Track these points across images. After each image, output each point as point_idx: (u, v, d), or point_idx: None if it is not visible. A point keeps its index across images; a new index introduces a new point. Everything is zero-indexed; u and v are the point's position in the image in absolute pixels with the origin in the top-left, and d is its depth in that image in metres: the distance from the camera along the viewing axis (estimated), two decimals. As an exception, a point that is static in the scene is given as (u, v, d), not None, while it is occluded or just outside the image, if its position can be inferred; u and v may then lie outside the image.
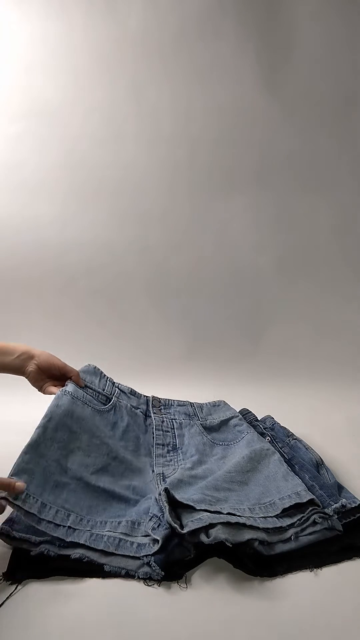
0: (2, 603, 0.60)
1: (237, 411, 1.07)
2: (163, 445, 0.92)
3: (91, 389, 0.93)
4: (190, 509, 0.70)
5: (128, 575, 0.65)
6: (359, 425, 1.13)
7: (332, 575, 0.66)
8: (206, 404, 1.08)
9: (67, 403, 0.84)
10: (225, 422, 1.02)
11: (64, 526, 0.68)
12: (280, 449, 0.92)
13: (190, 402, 1.06)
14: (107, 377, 1.00)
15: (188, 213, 1.51)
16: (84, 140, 1.46)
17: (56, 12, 1.39)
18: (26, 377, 0.88)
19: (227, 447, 0.94)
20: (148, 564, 0.65)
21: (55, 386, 0.90)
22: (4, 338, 0.91)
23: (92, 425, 0.86)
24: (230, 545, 0.65)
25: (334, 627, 0.58)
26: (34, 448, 0.73)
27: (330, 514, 0.71)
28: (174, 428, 0.97)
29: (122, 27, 1.41)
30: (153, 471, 0.85)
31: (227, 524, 0.67)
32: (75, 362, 0.94)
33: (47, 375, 0.90)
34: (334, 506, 0.72)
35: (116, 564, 0.66)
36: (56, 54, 1.41)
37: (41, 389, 0.90)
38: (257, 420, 1.04)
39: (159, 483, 0.80)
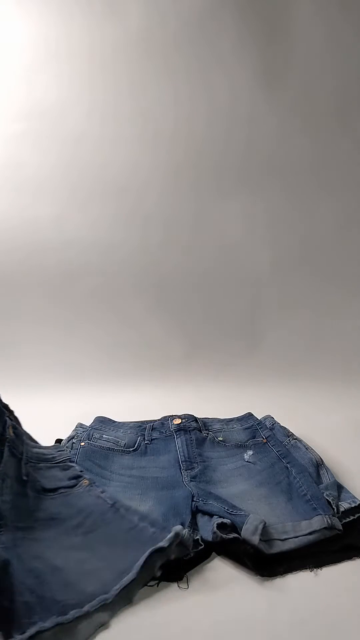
0: None
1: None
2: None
3: None
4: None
5: (128, 575, 0.65)
6: (359, 425, 1.13)
7: (332, 575, 0.66)
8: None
9: None
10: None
11: None
12: (277, 452, 0.91)
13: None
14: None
15: (188, 213, 1.51)
16: (85, 140, 1.46)
17: (57, 13, 1.39)
18: None
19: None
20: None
21: None
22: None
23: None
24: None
25: (334, 627, 0.58)
26: None
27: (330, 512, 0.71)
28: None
29: (122, 27, 1.41)
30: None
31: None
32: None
33: None
34: (333, 505, 0.72)
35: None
36: (57, 55, 1.41)
37: None
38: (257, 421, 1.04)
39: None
